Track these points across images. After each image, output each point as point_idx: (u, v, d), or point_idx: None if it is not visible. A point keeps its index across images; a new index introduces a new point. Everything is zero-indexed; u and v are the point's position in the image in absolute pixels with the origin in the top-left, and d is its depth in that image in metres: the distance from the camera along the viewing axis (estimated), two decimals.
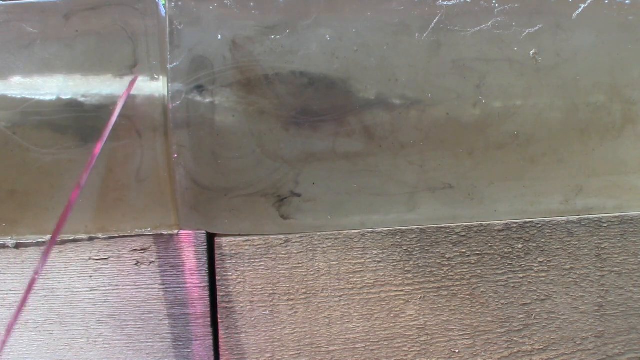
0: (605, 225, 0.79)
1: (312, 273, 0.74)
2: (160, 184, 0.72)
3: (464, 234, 0.76)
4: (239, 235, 0.74)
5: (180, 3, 0.70)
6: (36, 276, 0.64)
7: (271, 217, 0.73)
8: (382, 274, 0.75)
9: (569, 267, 0.78)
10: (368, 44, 0.72)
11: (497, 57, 0.74)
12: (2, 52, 0.70)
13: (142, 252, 0.73)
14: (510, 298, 0.78)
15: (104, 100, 0.70)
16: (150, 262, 0.73)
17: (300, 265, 0.74)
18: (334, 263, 0.75)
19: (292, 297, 0.74)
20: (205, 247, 0.73)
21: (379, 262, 0.75)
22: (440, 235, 0.76)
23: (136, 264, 0.73)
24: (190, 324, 0.74)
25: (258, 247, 0.73)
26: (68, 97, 0.70)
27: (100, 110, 0.70)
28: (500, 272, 0.77)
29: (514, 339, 0.79)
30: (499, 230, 0.77)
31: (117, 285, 0.73)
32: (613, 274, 0.79)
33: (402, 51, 0.72)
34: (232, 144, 0.70)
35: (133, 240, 0.73)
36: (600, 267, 0.79)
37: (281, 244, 0.74)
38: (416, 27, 0.73)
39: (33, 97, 0.69)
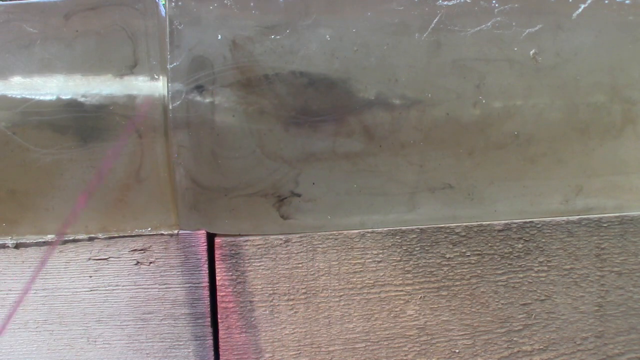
0: (605, 225, 0.79)
1: (312, 273, 0.74)
2: (160, 184, 0.72)
3: (464, 234, 0.76)
4: (239, 235, 0.74)
5: (180, 3, 0.70)
6: None
7: (271, 217, 0.73)
8: (382, 274, 0.75)
9: (569, 267, 0.78)
10: (368, 44, 0.71)
11: (497, 57, 0.74)
12: (2, 52, 0.70)
13: (142, 252, 0.73)
14: (510, 298, 0.78)
15: (104, 100, 0.70)
16: (150, 262, 0.73)
17: (300, 265, 0.74)
18: (334, 263, 0.75)
19: (292, 297, 0.74)
20: (205, 247, 0.73)
21: (379, 262, 0.75)
22: (440, 235, 0.76)
23: (136, 264, 0.73)
24: (190, 324, 0.74)
25: (258, 247, 0.73)
26: (68, 97, 0.70)
27: (100, 110, 0.70)
28: (500, 272, 0.77)
29: (514, 339, 0.79)
30: (499, 230, 0.77)
31: (117, 285, 0.73)
32: (613, 274, 0.79)
33: (402, 51, 0.72)
34: (232, 144, 0.70)
35: (133, 240, 0.73)
36: (600, 267, 0.79)
37: (281, 244, 0.74)
38: (416, 27, 0.73)
39: (33, 97, 0.69)
